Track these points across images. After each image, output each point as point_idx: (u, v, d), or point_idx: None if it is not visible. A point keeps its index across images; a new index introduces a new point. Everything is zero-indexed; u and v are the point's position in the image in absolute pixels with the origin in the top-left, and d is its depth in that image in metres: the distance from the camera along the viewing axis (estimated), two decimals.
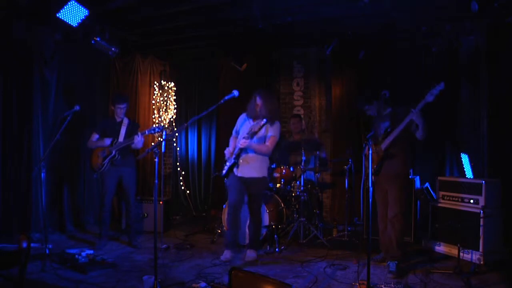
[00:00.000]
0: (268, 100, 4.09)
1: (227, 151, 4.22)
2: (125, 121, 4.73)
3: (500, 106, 4.53)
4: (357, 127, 5.94)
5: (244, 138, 3.97)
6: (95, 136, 4.66)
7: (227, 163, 4.16)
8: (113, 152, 4.54)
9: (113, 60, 6.11)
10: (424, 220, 4.59)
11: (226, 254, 4.10)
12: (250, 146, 4.01)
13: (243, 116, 4.29)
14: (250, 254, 4.14)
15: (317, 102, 6.49)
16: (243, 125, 4.22)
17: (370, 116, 4.14)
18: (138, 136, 4.40)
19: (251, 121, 4.18)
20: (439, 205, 4.20)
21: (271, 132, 4.09)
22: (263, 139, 4.09)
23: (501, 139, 4.48)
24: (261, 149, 4.06)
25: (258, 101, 4.07)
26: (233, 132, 4.35)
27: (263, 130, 4.04)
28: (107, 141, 4.57)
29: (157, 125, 6.51)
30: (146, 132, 4.32)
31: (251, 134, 3.97)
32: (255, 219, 4.23)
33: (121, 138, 4.61)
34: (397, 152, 3.82)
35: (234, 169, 4.10)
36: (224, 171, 4.18)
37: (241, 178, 4.09)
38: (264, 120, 3.93)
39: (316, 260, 4.21)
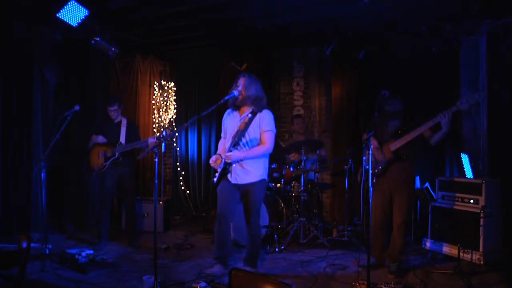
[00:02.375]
0: (252, 81, 3.51)
1: (211, 160, 3.62)
2: (124, 121, 4.73)
3: (500, 106, 4.53)
4: (357, 127, 5.94)
5: (228, 151, 3.42)
6: (94, 139, 4.70)
7: (218, 170, 3.62)
8: (117, 154, 4.55)
9: (113, 60, 6.11)
10: (424, 220, 4.58)
11: (215, 269, 3.57)
12: (245, 157, 3.43)
13: (227, 112, 3.74)
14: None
15: (317, 102, 6.49)
16: (229, 120, 3.68)
17: (370, 116, 4.10)
18: (153, 138, 4.44)
19: (236, 114, 3.63)
20: (439, 205, 4.19)
21: (266, 127, 3.50)
22: (257, 138, 3.52)
23: (501, 139, 4.48)
24: (258, 152, 3.47)
25: (240, 81, 3.52)
26: (222, 135, 3.81)
27: (253, 125, 3.50)
28: (101, 138, 4.60)
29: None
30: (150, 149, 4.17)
31: (235, 141, 3.44)
32: (253, 231, 3.62)
33: (122, 139, 4.61)
34: (409, 155, 3.70)
35: (228, 175, 3.56)
36: (215, 179, 3.64)
37: (235, 185, 3.54)
38: (250, 114, 3.47)
39: (316, 260, 4.21)
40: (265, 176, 3.60)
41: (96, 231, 4.99)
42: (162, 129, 6.70)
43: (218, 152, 3.72)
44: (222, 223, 3.58)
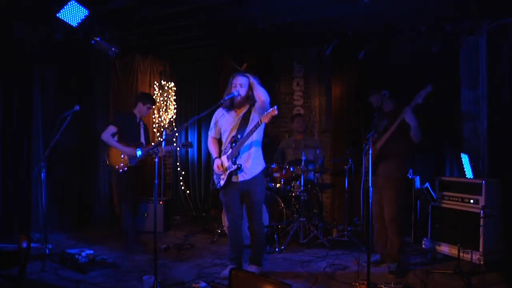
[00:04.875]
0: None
1: (216, 166, 3.63)
2: (141, 123, 4.74)
3: (500, 106, 4.53)
4: (357, 127, 5.94)
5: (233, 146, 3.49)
6: (112, 130, 4.47)
7: (221, 175, 3.64)
8: (142, 156, 4.51)
9: (113, 60, 6.11)
10: (424, 220, 4.58)
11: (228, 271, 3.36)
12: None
13: (220, 112, 3.71)
14: (252, 270, 3.67)
15: (317, 102, 6.49)
16: (224, 119, 3.64)
17: (370, 116, 4.12)
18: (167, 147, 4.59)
19: (232, 113, 3.63)
20: (439, 205, 4.19)
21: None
22: (255, 136, 3.53)
23: (501, 139, 4.48)
24: (262, 92, 3.45)
25: (237, 81, 3.49)
26: (212, 133, 3.77)
27: (252, 120, 3.52)
28: (130, 151, 4.45)
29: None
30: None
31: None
32: (257, 230, 3.67)
33: (142, 140, 4.63)
34: (392, 153, 3.72)
35: (232, 176, 3.57)
36: (223, 182, 3.60)
37: (241, 182, 3.55)
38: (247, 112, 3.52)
39: (316, 260, 4.21)
40: (265, 165, 3.69)
41: (96, 231, 4.97)
42: (162, 129, 6.70)
43: (213, 154, 3.74)
44: (236, 226, 3.71)
